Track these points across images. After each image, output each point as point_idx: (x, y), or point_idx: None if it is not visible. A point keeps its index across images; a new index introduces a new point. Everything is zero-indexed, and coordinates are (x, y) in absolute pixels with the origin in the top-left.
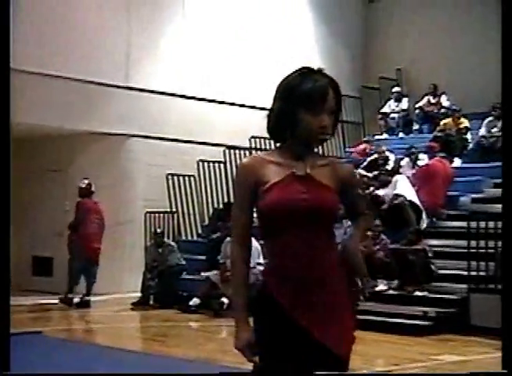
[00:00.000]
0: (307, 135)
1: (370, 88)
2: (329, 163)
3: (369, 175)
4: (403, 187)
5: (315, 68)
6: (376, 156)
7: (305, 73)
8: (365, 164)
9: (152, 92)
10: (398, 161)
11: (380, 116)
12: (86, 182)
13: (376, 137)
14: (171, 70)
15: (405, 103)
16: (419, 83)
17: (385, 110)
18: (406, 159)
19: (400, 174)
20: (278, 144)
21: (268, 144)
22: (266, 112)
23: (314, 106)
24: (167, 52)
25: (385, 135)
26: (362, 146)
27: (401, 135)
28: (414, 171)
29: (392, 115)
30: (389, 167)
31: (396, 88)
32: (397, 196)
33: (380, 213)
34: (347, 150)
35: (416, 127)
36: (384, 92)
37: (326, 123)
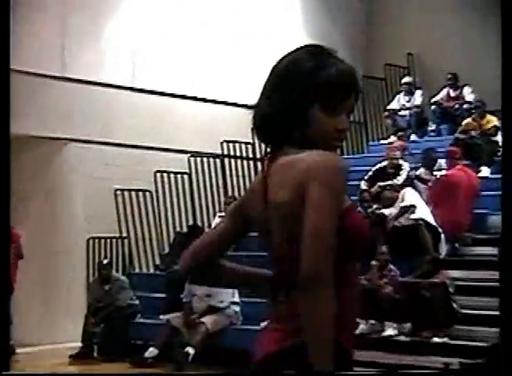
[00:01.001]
0: (320, 139)
1: (374, 79)
2: None
3: (372, 190)
4: (414, 200)
5: (326, 47)
6: (385, 163)
7: (317, 53)
8: (369, 174)
9: (95, 83)
10: (413, 172)
11: (386, 113)
12: None
13: (382, 141)
14: (120, 56)
15: (418, 98)
16: (435, 72)
17: (393, 106)
18: (422, 168)
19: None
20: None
21: (244, 150)
22: (241, 110)
23: (335, 101)
24: (115, 36)
25: (393, 138)
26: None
27: (413, 137)
28: (431, 183)
29: (402, 112)
30: (400, 179)
31: (407, 79)
32: (405, 208)
33: (387, 236)
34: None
35: (432, 127)
36: (391, 84)
37: (346, 126)
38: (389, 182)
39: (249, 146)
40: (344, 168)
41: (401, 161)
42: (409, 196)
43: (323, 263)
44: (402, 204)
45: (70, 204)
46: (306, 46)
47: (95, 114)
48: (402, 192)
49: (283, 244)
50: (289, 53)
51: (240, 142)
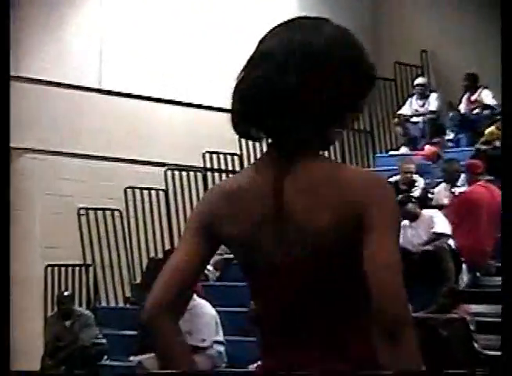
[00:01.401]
0: (332, 141)
1: (382, 79)
2: None
3: None
4: (446, 226)
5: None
6: (396, 178)
7: (349, 34)
8: None
9: (55, 84)
10: (428, 189)
11: (396, 120)
12: None
13: (392, 153)
14: (85, 53)
15: (433, 102)
16: (454, 72)
17: (404, 111)
18: (443, 184)
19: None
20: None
21: (230, 162)
22: (226, 116)
23: (362, 96)
24: (81, 32)
25: (404, 149)
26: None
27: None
28: (448, 201)
29: (415, 119)
30: (415, 194)
31: (420, 80)
32: (439, 235)
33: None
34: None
35: (450, 136)
36: (402, 85)
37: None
38: (411, 194)
39: (235, 158)
40: None
41: (415, 176)
42: (441, 221)
43: (405, 300)
44: (434, 230)
45: (24, 225)
46: (322, 18)
47: (55, 120)
48: (428, 213)
49: (310, 272)
50: (316, 21)
51: (225, 154)
